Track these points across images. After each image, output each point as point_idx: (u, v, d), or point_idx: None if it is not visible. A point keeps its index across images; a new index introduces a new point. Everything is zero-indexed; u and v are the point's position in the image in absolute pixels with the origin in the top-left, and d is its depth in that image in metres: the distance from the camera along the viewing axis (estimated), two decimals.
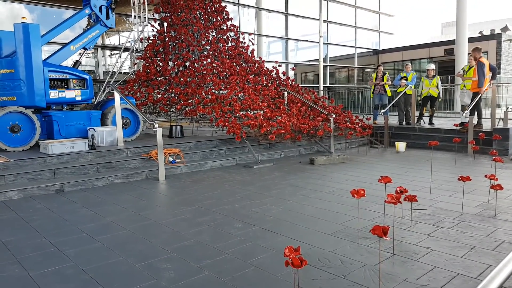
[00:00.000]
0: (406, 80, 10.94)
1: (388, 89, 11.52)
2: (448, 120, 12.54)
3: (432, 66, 10.91)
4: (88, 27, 10.40)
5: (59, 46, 8.35)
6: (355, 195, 3.42)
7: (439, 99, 11.11)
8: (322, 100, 10.84)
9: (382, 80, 11.42)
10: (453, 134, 9.29)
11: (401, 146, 9.16)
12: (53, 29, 7.38)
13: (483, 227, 3.78)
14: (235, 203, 4.82)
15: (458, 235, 3.58)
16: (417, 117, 10.92)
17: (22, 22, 6.71)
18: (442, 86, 10.96)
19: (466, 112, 8.91)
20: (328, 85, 18.78)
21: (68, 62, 8.27)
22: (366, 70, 22.20)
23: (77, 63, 8.10)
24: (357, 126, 9.46)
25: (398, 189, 3.60)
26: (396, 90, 11.46)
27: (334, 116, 9.06)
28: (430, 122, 10.83)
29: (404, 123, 11.11)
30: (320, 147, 9.13)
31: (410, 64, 11.80)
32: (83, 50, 8.02)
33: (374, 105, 11.84)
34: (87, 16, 8.36)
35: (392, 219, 3.82)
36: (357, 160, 8.01)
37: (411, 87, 10.80)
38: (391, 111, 11.80)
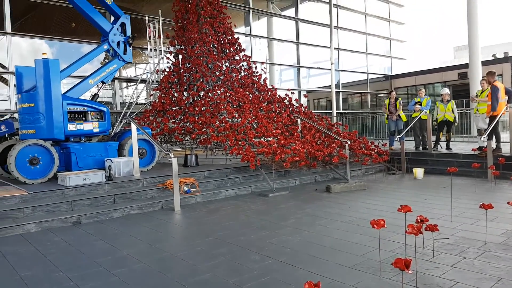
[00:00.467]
0: (421, 105, 10.88)
1: (402, 114, 11.47)
2: (465, 144, 12.34)
3: (447, 90, 10.85)
4: (106, 60, 10.75)
5: (78, 79, 8.63)
6: (375, 226, 3.34)
7: (455, 124, 10.99)
8: (336, 126, 10.82)
9: (395, 106, 11.39)
10: (471, 159, 9.11)
11: (419, 172, 9.01)
12: (72, 64, 7.62)
13: (509, 257, 3.63)
14: (251, 234, 4.75)
15: (483, 266, 3.44)
16: (434, 142, 10.78)
17: (42, 58, 6.95)
18: (457, 110, 10.87)
19: (483, 136, 8.76)
20: (341, 110, 18.79)
21: (87, 95, 8.48)
22: (379, 95, 22.20)
23: (95, 96, 8.31)
24: (373, 152, 9.37)
25: (418, 218, 3.51)
26: (411, 115, 11.39)
27: (349, 142, 9.01)
28: (448, 147, 10.67)
29: (420, 148, 10.98)
30: (336, 174, 9.04)
31: (423, 89, 11.77)
32: (101, 84, 8.23)
33: (390, 131, 11.77)
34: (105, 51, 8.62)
35: (413, 249, 3.71)
36: (374, 187, 7.89)
37: (426, 112, 10.73)
38: (407, 137, 11.69)
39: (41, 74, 6.91)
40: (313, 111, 11.54)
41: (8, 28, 10.55)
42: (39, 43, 12.55)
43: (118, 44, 8.38)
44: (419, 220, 3.48)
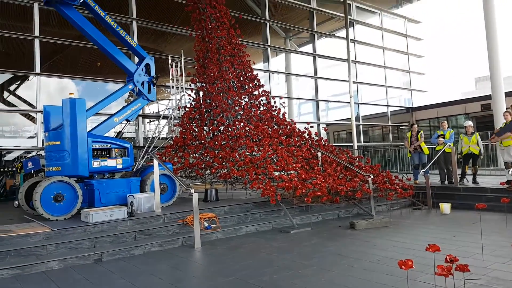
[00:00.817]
0: (444, 138, 10.68)
1: (425, 146, 11.27)
2: (493, 178, 11.94)
3: (470, 123, 10.66)
4: (130, 98, 11.08)
5: (103, 116, 8.90)
6: (403, 267, 3.20)
7: (481, 157, 10.69)
8: (357, 159, 10.68)
9: (417, 139, 11.22)
10: (500, 193, 8.77)
11: (445, 207, 8.72)
12: (98, 103, 7.88)
13: None
14: (274, 274, 4.62)
15: None
16: (460, 176, 10.48)
17: (69, 98, 7.22)
18: (482, 142, 10.61)
19: (511, 169, 8.48)
20: (362, 143, 18.61)
21: (111, 131, 8.69)
22: (400, 127, 21.96)
23: (120, 133, 8.52)
24: (397, 187, 9.16)
25: (448, 257, 3.35)
26: (435, 148, 11.18)
27: (372, 176, 8.85)
28: (474, 181, 10.34)
29: (446, 182, 10.68)
30: (359, 209, 8.82)
31: (446, 121, 11.60)
32: (126, 122, 8.44)
33: (414, 164, 11.53)
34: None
35: None
36: (400, 224, 7.65)
37: (450, 145, 10.51)
38: (431, 170, 11.42)
39: (68, 113, 7.14)
40: (333, 144, 11.47)
41: (38, 68, 11.06)
42: (66, 81, 13.10)
43: (142, 84, 8.66)
44: (448, 260, 3.32)
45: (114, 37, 8.56)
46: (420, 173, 10.83)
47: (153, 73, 8.86)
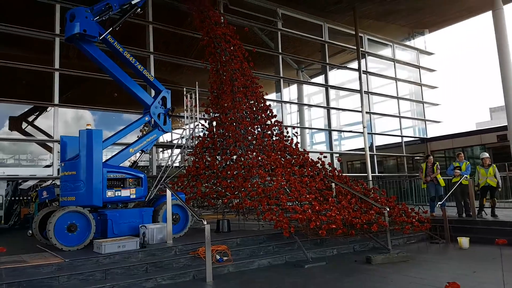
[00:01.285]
0: (460, 170, 10.50)
1: (440, 178, 11.08)
2: None
3: (486, 154, 10.48)
4: (145, 128, 11.25)
5: (118, 145, 9.02)
6: None
7: (499, 189, 10.44)
8: (372, 191, 10.52)
9: (433, 171, 11.06)
10: None
11: (464, 241, 8.45)
12: (114, 134, 8.02)
13: None
14: None
15: None
16: (478, 209, 10.21)
17: (86, 129, 7.36)
18: (500, 174, 10.39)
19: None
20: (377, 174, 18.37)
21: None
22: (415, 158, 21.69)
23: (134, 163, 8.60)
24: (414, 220, 8.94)
25: None
26: (451, 180, 10.97)
27: (388, 209, 8.67)
28: (493, 214, 10.05)
29: (464, 215, 10.40)
30: (376, 243, 8.59)
31: (462, 153, 11.43)
32: (141, 152, 8.54)
33: (430, 197, 11.30)
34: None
35: None
36: (418, 259, 7.41)
37: (466, 177, 10.31)
38: (448, 202, 11.16)
39: (85, 143, 7.27)
40: (347, 175, 11.36)
41: (56, 100, 11.36)
42: (83, 110, 13.39)
43: (158, 115, 8.83)
44: None
45: (129, 68, 8.79)
46: (437, 205, 10.59)
47: (169, 105, 9.04)
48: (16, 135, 12.83)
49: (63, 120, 12.16)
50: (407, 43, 22.76)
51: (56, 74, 11.45)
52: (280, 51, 16.70)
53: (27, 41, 12.75)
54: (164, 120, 8.91)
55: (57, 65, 11.45)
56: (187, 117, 11.84)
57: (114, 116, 14.02)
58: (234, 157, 10.44)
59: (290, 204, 8.45)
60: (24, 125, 13.25)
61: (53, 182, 10.87)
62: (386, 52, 21.85)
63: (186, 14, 13.25)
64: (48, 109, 12.21)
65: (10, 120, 12.82)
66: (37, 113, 13.29)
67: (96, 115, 13.71)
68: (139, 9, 8.71)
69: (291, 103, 18.40)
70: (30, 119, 13.37)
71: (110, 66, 8.18)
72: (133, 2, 8.47)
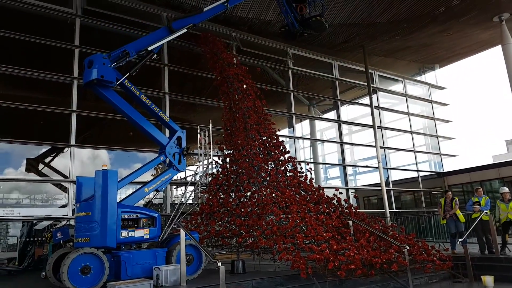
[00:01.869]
0: (479, 205, 10.20)
1: (460, 214, 10.76)
2: None
3: (506, 189, 10.21)
4: (159, 166, 11.30)
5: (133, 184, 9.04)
6: None
7: None
8: (391, 228, 10.24)
9: (451, 207, 10.77)
10: None
11: (488, 280, 8.07)
12: (129, 175, 8.09)
13: None
14: None
15: None
16: (501, 245, 9.81)
17: (102, 169, 7.42)
18: None
19: None
20: (394, 210, 17.95)
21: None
22: (432, 192, 21.23)
23: (149, 203, 8.59)
24: (435, 258, 8.61)
25: None
26: (471, 215, 10.65)
27: (407, 247, 8.39)
28: None
29: (486, 252, 10.00)
30: (396, 283, 8.25)
31: (481, 187, 11.16)
32: (156, 192, 8.54)
33: (451, 233, 10.93)
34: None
35: None
36: None
37: (486, 212, 9.99)
38: (469, 238, 10.77)
39: (100, 184, 7.31)
40: (364, 211, 11.13)
41: (73, 140, 11.57)
42: (99, 150, 13.57)
43: (173, 155, 8.90)
44: None
45: (145, 109, 8.96)
46: (458, 242, 10.24)
47: (184, 144, 9.12)
48: (32, 175, 13.01)
49: (79, 159, 12.32)
50: (418, 78, 22.89)
51: (74, 116, 11.74)
52: (291, 88, 16.94)
53: (46, 83, 13.21)
54: (179, 159, 8.96)
55: (74, 107, 11.76)
56: (200, 154, 11.91)
57: (129, 154, 14.18)
58: (248, 194, 10.35)
59: (307, 243, 8.24)
60: (40, 166, 13.45)
61: (68, 222, 10.87)
62: (398, 87, 21.97)
63: (200, 55, 13.65)
64: (64, 150, 12.42)
65: (27, 161, 13.04)
66: (53, 155, 13.51)
67: (112, 153, 13.88)
68: (155, 55, 8.99)
69: (304, 138, 18.42)
70: (47, 160, 13.59)
71: (127, 109, 8.36)
72: (149, 49, 8.74)
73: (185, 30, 9.72)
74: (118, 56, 8.26)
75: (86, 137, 13.67)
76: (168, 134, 9.53)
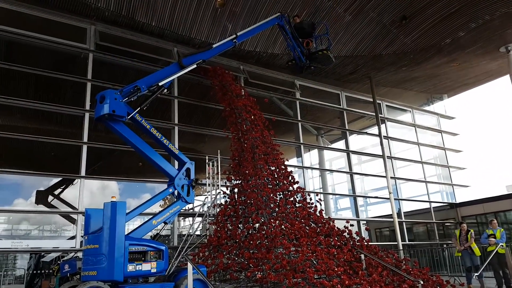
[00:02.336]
0: (495, 237, 9.93)
1: (476, 248, 10.46)
2: None
3: None
4: (167, 196, 11.26)
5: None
6: None
7: None
8: (404, 262, 9.96)
9: (466, 239, 10.50)
10: None
11: None
12: (138, 207, 8.04)
13: None
14: None
15: None
16: None
17: (111, 201, 7.41)
18: None
19: None
20: (407, 242, 17.51)
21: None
22: (446, 224, 20.75)
23: (156, 236, 8.50)
24: None
25: None
26: (486, 248, 10.35)
27: (422, 282, 8.13)
28: None
29: (504, 287, 9.64)
30: None
31: (495, 219, 10.91)
32: (164, 224, 8.47)
33: (466, 267, 10.59)
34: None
35: None
36: None
37: (502, 245, 9.71)
38: (485, 272, 10.43)
39: (108, 216, 7.27)
40: (376, 243, 10.89)
41: (83, 172, 11.64)
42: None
43: (182, 187, 8.86)
44: None
45: (154, 141, 9.03)
46: (474, 277, 9.91)
47: (192, 176, 9.11)
48: (41, 207, 13.05)
49: (89, 190, 12.36)
50: (427, 108, 22.90)
51: (84, 147, 11.86)
52: (299, 118, 17.02)
53: (58, 115, 13.47)
54: (188, 191, 8.92)
55: (85, 139, 11.90)
56: (208, 184, 11.88)
57: (139, 185, 14.23)
58: (257, 225, 10.22)
59: (318, 278, 8.04)
60: (50, 198, 13.52)
61: (76, 255, 10.77)
62: (406, 117, 21.96)
63: (209, 87, 13.88)
64: (74, 182, 12.49)
65: (37, 193, 13.13)
66: (63, 186, 13.60)
67: (121, 184, 13.93)
68: (166, 90, 9.12)
69: (312, 168, 18.30)
70: (57, 192, 13.67)
71: (137, 142, 8.42)
72: (160, 84, 8.88)
73: (195, 66, 9.92)
74: (129, 91, 8.39)
75: (95, 169, 13.75)
76: (176, 165, 9.54)
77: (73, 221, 12.09)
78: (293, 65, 12.87)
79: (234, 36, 11.02)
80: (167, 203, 11.63)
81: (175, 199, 8.96)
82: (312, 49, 12.56)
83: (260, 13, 13.48)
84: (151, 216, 8.34)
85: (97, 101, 8.20)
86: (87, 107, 12.18)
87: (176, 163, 9.66)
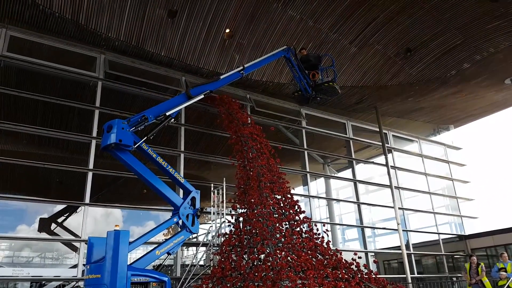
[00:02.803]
0: (505, 271, 9.63)
1: (487, 281, 10.13)
2: None
3: None
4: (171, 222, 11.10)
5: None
6: None
7: None
8: None
9: (477, 272, 10.19)
10: None
11: None
12: (141, 237, 7.95)
13: None
14: None
15: None
16: None
17: (114, 230, 7.31)
18: None
19: None
20: (416, 275, 17.03)
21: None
22: (455, 256, 20.22)
23: (160, 266, 8.34)
24: None
25: None
26: (497, 282, 10.02)
27: None
28: None
29: None
30: None
31: (505, 252, 10.63)
32: (167, 255, 8.31)
33: None
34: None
35: None
36: None
37: None
38: None
39: (111, 245, 7.16)
40: (384, 276, 10.57)
41: (87, 199, 11.57)
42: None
43: (187, 216, 8.75)
44: None
45: (159, 170, 8.99)
46: None
47: (198, 205, 9.01)
48: (44, 234, 12.94)
49: (92, 217, 12.25)
50: (433, 138, 22.81)
51: (89, 174, 11.84)
52: (305, 147, 16.99)
53: (64, 142, 13.54)
54: (193, 221, 8.81)
55: (91, 166, 11.90)
56: (213, 213, 11.74)
57: (142, 212, 14.12)
58: (262, 256, 9.98)
59: None
60: (53, 226, 13.43)
61: (77, 284, 10.56)
62: (413, 147, 21.85)
63: (215, 115, 13.98)
64: (78, 210, 12.42)
65: (40, 221, 13.04)
66: (66, 214, 13.52)
67: (125, 211, 13.83)
68: (173, 120, 9.15)
69: (319, 197, 18.10)
70: (60, 219, 13.59)
71: (143, 171, 8.40)
72: (167, 114, 8.92)
73: (202, 96, 10.02)
74: (137, 121, 8.40)
75: (99, 197, 13.70)
76: (181, 193, 9.47)
77: (75, 249, 11.93)
78: (299, 96, 13.00)
79: (241, 68, 11.18)
80: (171, 232, 11.48)
81: (179, 229, 8.83)
82: (318, 80, 12.70)
83: (267, 45, 13.78)
84: (154, 246, 8.21)
85: (104, 130, 8.23)
86: (94, 134, 12.25)
87: (181, 190, 9.59)
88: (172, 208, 8.99)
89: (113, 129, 8.09)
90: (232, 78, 11.14)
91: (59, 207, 13.82)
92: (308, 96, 12.69)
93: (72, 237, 12.42)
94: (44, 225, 13.09)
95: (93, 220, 12.23)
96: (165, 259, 8.40)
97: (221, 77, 10.73)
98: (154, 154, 8.70)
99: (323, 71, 13.16)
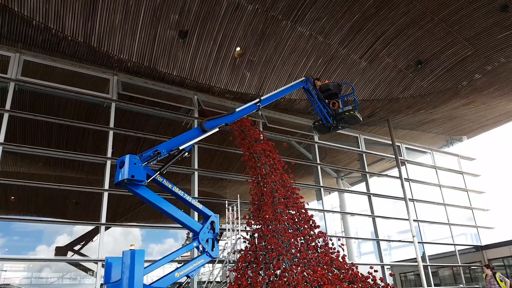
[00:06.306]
0: None
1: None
2: None
3: None
4: (187, 242, 11.12)
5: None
6: None
7: None
8: None
9: (493, 283, 10.00)
10: None
11: None
12: (159, 260, 7.90)
13: None
14: None
15: None
16: None
17: (130, 249, 7.34)
18: None
19: None
20: (433, 287, 16.72)
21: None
22: (472, 267, 19.79)
23: (178, 285, 8.31)
24: None
25: None
26: None
27: None
28: None
29: None
30: None
31: None
32: (186, 278, 8.26)
33: None
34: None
35: None
36: None
37: None
38: None
39: (127, 265, 7.16)
40: None
41: (103, 219, 11.66)
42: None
43: (207, 241, 8.68)
44: None
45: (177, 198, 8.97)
46: None
47: (217, 229, 8.95)
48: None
49: (111, 235, 12.32)
50: (446, 149, 22.60)
51: (105, 194, 12.00)
52: (318, 161, 16.98)
53: (79, 163, 13.75)
54: (212, 245, 8.71)
55: (106, 186, 12.07)
56: (228, 229, 11.77)
57: (158, 230, 14.21)
58: (278, 272, 9.94)
59: None
60: (69, 254, 13.53)
61: None
62: (426, 158, 21.65)
63: (228, 133, 14.13)
64: (94, 239, 12.45)
65: (56, 250, 13.15)
66: (83, 243, 13.62)
67: (143, 230, 13.94)
68: (187, 153, 8.98)
69: (333, 212, 17.99)
70: (77, 247, 13.70)
71: (159, 203, 8.27)
72: (180, 148, 8.81)
73: (217, 129, 9.77)
74: (149, 156, 8.26)
75: (123, 220, 13.86)
76: (196, 216, 9.42)
77: (93, 269, 12.01)
78: (320, 125, 12.71)
79: (257, 100, 10.81)
80: (186, 245, 11.43)
81: (199, 253, 8.75)
82: (338, 109, 12.46)
83: (277, 62, 13.93)
84: (174, 268, 8.19)
85: (117, 166, 8.16)
86: (109, 154, 12.45)
87: (196, 214, 9.56)
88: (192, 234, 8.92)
89: (125, 165, 8.05)
90: (249, 111, 10.84)
91: (77, 228, 13.96)
92: (329, 125, 12.45)
93: (89, 257, 12.50)
94: (61, 253, 13.22)
95: (112, 239, 12.33)
96: (184, 282, 8.34)
97: (237, 109, 10.41)
98: (170, 185, 8.60)
99: (343, 99, 12.73)
